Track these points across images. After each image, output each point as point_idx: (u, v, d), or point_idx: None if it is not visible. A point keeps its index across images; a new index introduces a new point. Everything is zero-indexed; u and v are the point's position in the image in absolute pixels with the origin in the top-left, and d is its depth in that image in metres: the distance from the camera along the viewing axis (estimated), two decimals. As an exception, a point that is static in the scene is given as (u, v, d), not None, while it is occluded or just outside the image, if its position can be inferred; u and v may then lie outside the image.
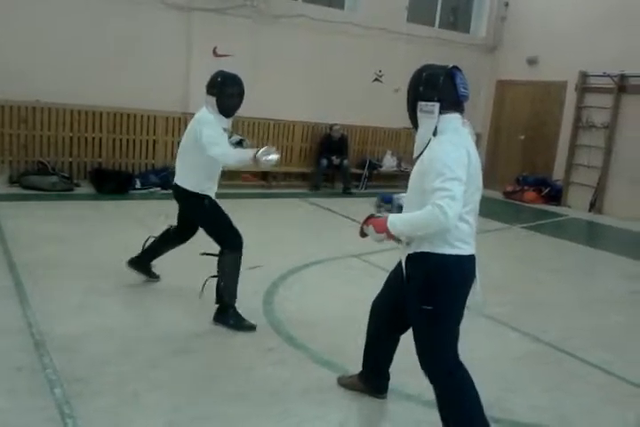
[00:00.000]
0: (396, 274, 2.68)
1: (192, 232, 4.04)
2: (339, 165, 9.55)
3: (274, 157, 3.47)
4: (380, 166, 10.50)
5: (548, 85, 10.59)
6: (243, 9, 8.68)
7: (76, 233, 5.59)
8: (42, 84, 7.54)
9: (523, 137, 11.11)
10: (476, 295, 2.50)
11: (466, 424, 2.48)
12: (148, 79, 8.13)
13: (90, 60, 7.86)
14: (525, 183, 10.53)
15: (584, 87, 9.99)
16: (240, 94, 3.71)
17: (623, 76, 9.33)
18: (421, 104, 2.42)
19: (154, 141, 8.64)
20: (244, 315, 3.88)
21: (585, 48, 9.68)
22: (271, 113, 9.39)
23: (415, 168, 2.46)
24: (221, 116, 3.68)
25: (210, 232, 3.82)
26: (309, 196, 9.19)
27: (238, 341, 3.56)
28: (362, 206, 8.45)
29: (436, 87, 2.39)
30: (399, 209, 3.02)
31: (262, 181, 9.40)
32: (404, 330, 2.76)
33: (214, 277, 3.74)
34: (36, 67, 7.51)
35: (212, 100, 3.65)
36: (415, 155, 2.50)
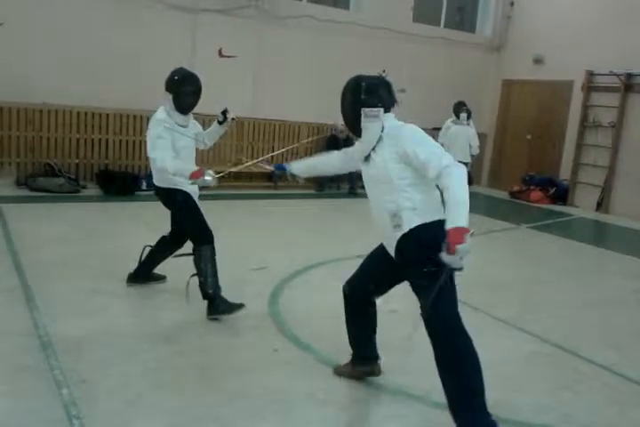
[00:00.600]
0: (376, 257, 2.95)
1: (184, 235, 4.05)
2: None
3: (209, 179, 3.51)
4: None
5: (555, 85, 10.56)
6: (248, 10, 8.71)
7: (83, 234, 5.62)
8: (48, 86, 7.60)
9: (530, 137, 11.07)
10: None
11: (464, 386, 2.53)
12: (153, 80, 8.02)
13: (96, 62, 7.91)
14: (532, 183, 10.50)
15: (590, 86, 9.94)
16: (197, 93, 3.80)
17: (630, 75, 9.29)
18: (366, 110, 2.65)
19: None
20: (249, 316, 3.89)
21: (591, 47, 9.64)
22: (276, 114, 9.42)
23: (375, 164, 2.67)
24: (177, 113, 3.78)
25: (183, 225, 3.94)
26: (315, 196, 9.20)
27: (243, 341, 3.57)
28: (367, 207, 8.45)
29: (378, 94, 2.68)
30: (292, 176, 3.40)
31: (268, 181, 9.41)
32: (374, 302, 3.05)
33: (194, 275, 3.80)
34: (42, 69, 7.56)
35: (169, 97, 3.74)
36: (362, 156, 2.75)
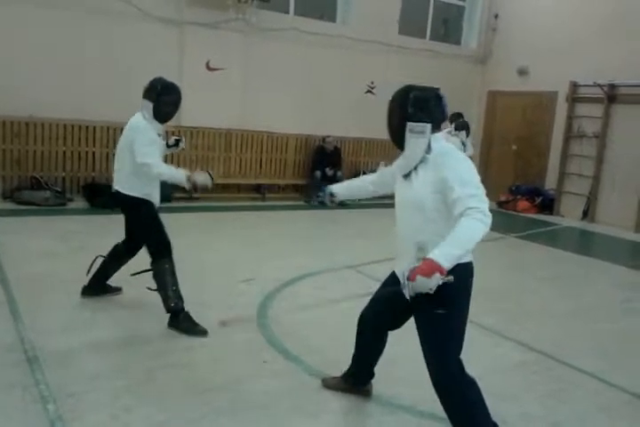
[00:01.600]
0: (388, 288, 2.76)
1: (137, 245, 4.02)
2: (332, 176, 9.58)
3: (207, 179, 3.63)
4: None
5: (539, 96, 10.70)
6: (235, 23, 8.76)
7: (69, 248, 5.58)
8: (35, 98, 7.57)
9: (515, 147, 11.19)
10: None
11: None
12: (140, 93, 8.15)
13: (83, 75, 7.91)
14: (518, 193, 10.59)
15: (574, 97, 10.09)
16: (176, 103, 3.79)
17: (613, 86, 9.43)
18: (412, 125, 2.44)
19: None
20: (238, 328, 3.89)
21: (575, 58, 9.80)
22: (264, 126, 9.45)
23: (411, 186, 2.48)
24: (155, 122, 3.75)
25: (142, 237, 3.88)
26: (304, 208, 9.21)
27: (231, 354, 3.55)
28: (356, 218, 8.48)
29: (428, 109, 2.45)
30: (332, 196, 3.26)
31: (256, 193, 9.42)
32: (390, 330, 2.92)
33: (154, 290, 3.79)
34: (29, 82, 7.54)
35: (149, 105, 3.72)
36: (402, 173, 2.56)
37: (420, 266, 2.20)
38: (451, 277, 2.22)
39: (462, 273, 2.40)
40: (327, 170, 9.55)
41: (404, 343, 3.74)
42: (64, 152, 8.05)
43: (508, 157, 11.35)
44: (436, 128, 2.48)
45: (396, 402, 3.06)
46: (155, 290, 3.79)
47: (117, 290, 4.32)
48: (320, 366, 3.43)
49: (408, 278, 2.22)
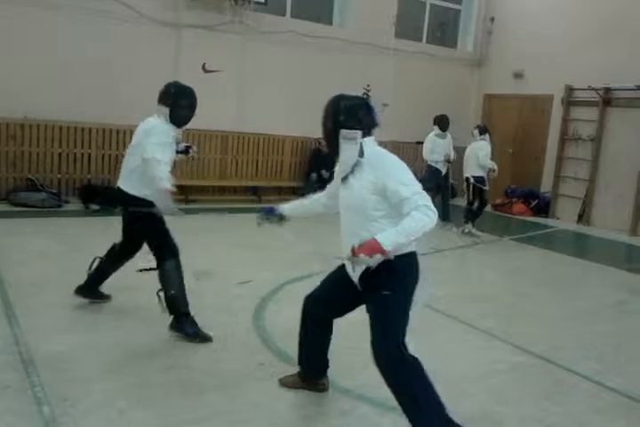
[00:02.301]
0: (337, 278, 2.96)
1: (137, 246, 3.97)
2: (328, 178, 9.56)
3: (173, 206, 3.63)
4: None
5: (535, 99, 10.74)
6: (231, 25, 8.77)
7: (65, 250, 5.56)
8: (30, 100, 7.56)
9: (511, 150, 11.22)
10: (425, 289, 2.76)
11: (423, 409, 2.57)
12: (136, 95, 8.13)
13: (78, 77, 7.90)
14: (514, 195, 10.62)
15: (570, 100, 10.13)
16: (192, 106, 3.76)
17: (608, 90, 9.48)
18: (344, 132, 2.59)
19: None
20: (234, 330, 3.88)
21: (570, 62, 9.84)
22: (261, 128, 9.46)
23: (351, 190, 2.64)
24: (173, 127, 3.73)
25: (147, 239, 3.82)
26: (300, 210, 9.19)
27: (227, 356, 3.54)
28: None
29: (358, 116, 2.62)
30: (281, 218, 3.32)
31: (253, 195, 9.41)
32: (332, 323, 3.07)
33: (161, 291, 3.72)
34: (25, 83, 7.53)
35: (166, 110, 3.68)
36: (339, 178, 2.74)
37: (364, 245, 2.42)
38: (390, 256, 2.45)
39: (408, 260, 2.63)
40: (323, 172, 9.54)
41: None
42: (59, 154, 8.04)
43: (503, 159, 11.32)
44: (367, 134, 2.65)
45: (392, 404, 3.04)
46: (161, 290, 3.71)
47: (106, 297, 4.23)
48: (316, 369, 3.42)
49: (352, 253, 2.44)
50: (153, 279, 4.15)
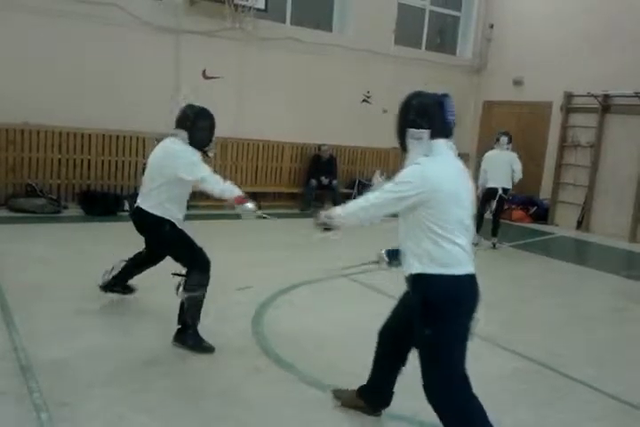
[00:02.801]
0: (404, 298, 2.72)
1: (158, 258, 4.05)
2: (328, 185, 9.60)
3: (251, 206, 3.68)
4: (370, 186, 10.55)
5: (534, 106, 10.77)
6: (231, 32, 8.81)
7: (64, 255, 5.57)
8: (30, 105, 7.59)
9: (510, 156, 11.22)
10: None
11: None
12: (137, 101, 8.19)
13: (79, 83, 7.93)
14: (513, 202, 10.61)
15: (569, 107, 10.17)
16: (211, 128, 3.75)
17: (607, 96, 9.51)
18: (411, 131, 2.48)
19: (143, 164, 8.65)
20: (233, 336, 3.88)
21: (569, 69, 9.89)
22: (261, 134, 9.49)
23: None
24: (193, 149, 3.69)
25: (176, 257, 3.77)
26: (300, 215, 9.21)
27: (226, 362, 3.54)
28: (352, 227, 8.48)
29: (426, 116, 2.46)
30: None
31: (252, 201, 9.41)
32: (409, 352, 2.74)
33: (177, 274, 3.69)
34: (25, 89, 7.55)
35: (184, 134, 3.66)
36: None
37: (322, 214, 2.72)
38: (330, 234, 2.64)
39: (448, 288, 2.40)
40: (323, 178, 9.57)
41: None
42: (59, 159, 8.05)
43: (502, 166, 11.37)
44: (437, 134, 2.47)
45: (396, 413, 3.04)
46: (178, 275, 3.67)
47: (132, 290, 4.35)
48: (314, 374, 3.43)
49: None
50: (154, 285, 4.16)
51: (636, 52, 9.06)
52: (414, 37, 11.36)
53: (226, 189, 3.62)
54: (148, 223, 3.79)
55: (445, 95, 2.52)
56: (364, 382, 2.95)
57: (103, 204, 7.78)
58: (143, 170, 3.92)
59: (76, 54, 7.89)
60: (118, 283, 4.28)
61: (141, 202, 3.80)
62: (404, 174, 2.45)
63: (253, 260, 6.04)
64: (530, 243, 8.50)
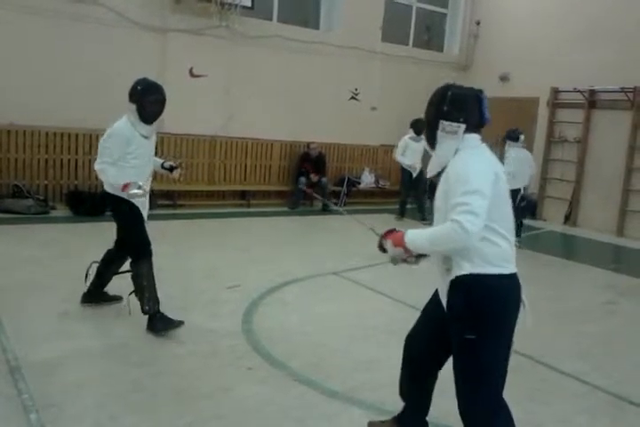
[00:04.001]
0: (432, 305, 2.50)
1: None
2: (317, 182, 9.61)
3: (137, 191, 3.69)
4: (359, 183, 10.58)
5: (521, 101, 10.82)
6: (218, 30, 8.78)
7: (52, 256, 5.53)
8: (16, 106, 7.52)
9: (498, 152, 11.29)
10: (525, 319, 2.37)
11: None
12: (123, 100, 8.09)
13: (65, 82, 7.87)
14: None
15: (556, 103, 10.24)
16: (161, 102, 3.79)
17: (593, 92, 9.59)
18: (444, 124, 2.32)
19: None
20: (223, 335, 3.88)
21: (555, 65, 9.94)
22: (249, 132, 9.47)
23: (439, 188, 2.34)
24: (142, 124, 3.77)
25: (124, 236, 3.96)
26: (288, 213, 9.22)
27: (217, 361, 3.54)
28: (340, 224, 8.51)
29: (464, 109, 2.32)
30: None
31: (241, 199, 9.41)
32: (441, 365, 2.55)
33: (132, 292, 3.85)
34: (10, 89, 7.49)
35: (133, 107, 3.74)
36: (431, 174, 2.47)
37: (393, 235, 2.32)
38: (414, 260, 2.33)
39: (497, 285, 2.23)
40: (312, 176, 9.57)
41: (390, 346, 3.77)
42: (46, 160, 7.99)
43: (490, 162, 11.44)
44: (471, 129, 2.33)
45: (381, 406, 3.06)
46: (133, 292, 3.84)
47: (116, 299, 4.28)
48: (305, 372, 3.43)
49: (383, 237, 2.36)
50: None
51: (621, 47, 9.13)
52: (402, 35, 11.37)
53: (112, 182, 3.75)
54: (111, 204, 3.95)
55: (482, 91, 2.39)
56: (399, 410, 2.72)
57: (91, 204, 7.72)
58: None
59: (62, 53, 7.83)
60: (93, 291, 4.21)
61: (105, 183, 3.94)
62: (467, 167, 2.21)
63: (243, 258, 6.04)
64: (517, 238, 8.54)
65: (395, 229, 2.40)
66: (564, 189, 10.11)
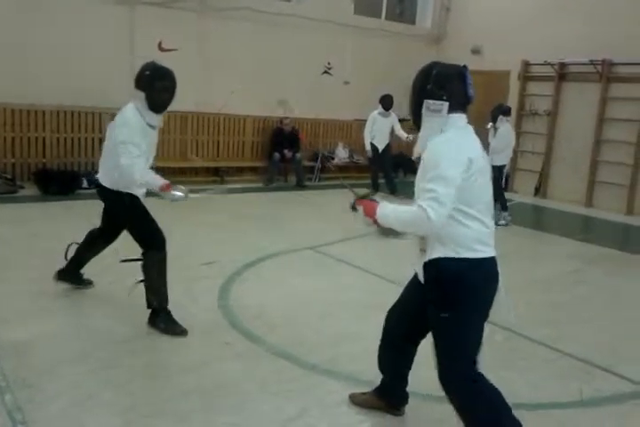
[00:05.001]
0: (412, 284, 2.57)
1: (115, 233, 3.87)
2: (291, 158, 9.56)
3: (180, 194, 3.40)
4: (333, 158, 10.57)
5: (492, 75, 10.83)
6: (188, 2, 8.57)
7: (22, 235, 5.44)
8: (-21, 83, 7.29)
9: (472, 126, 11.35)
10: (502, 304, 2.42)
11: None
12: (91, 76, 7.93)
13: (30, 58, 7.63)
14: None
15: (527, 76, 10.29)
16: (171, 89, 3.49)
17: (563, 65, 9.65)
18: (429, 102, 2.31)
19: (100, 140, 8.44)
20: (199, 311, 3.89)
21: (527, 38, 9.95)
22: (221, 108, 9.32)
23: (420, 166, 2.33)
24: (151, 113, 3.48)
25: (131, 231, 3.65)
26: (263, 190, 9.18)
27: (194, 337, 3.55)
28: (314, 199, 8.53)
29: (447, 86, 2.30)
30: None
31: (215, 176, 9.32)
32: (420, 339, 2.65)
33: (141, 281, 3.61)
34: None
35: (141, 95, 3.43)
36: (416, 155, 2.47)
37: (367, 204, 2.37)
38: (373, 229, 2.38)
39: (466, 271, 2.26)
40: (286, 151, 9.51)
41: (366, 320, 3.83)
42: (12, 138, 7.80)
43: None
44: (456, 108, 2.31)
45: (359, 377, 3.12)
46: (141, 281, 3.61)
47: (88, 283, 4.15)
48: (283, 346, 3.47)
49: (356, 203, 2.42)
50: (118, 267, 4.09)
51: (591, 20, 9.15)
52: (374, 7, 11.24)
53: (146, 180, 3.40)
54: (108, 199, 3.69)
55: (465, 67, 2.37)
56: (378, 384, 2.82)
57: (60, 182, 7.59)
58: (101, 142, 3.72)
59: (26, 27, 7.56)
60: (71, 270, 4.05)
61: (99, 176, 3.66)
62: (439, 152, 2.22)
63: (218, 234, 6.02)
64: (490, 211, 8.66)
65: (372, 199, 2.43)
66: (534, 161, 10.24)
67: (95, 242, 3.97)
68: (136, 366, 3.16)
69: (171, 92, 3.50)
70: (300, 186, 9.57)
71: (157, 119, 3.56)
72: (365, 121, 9.13)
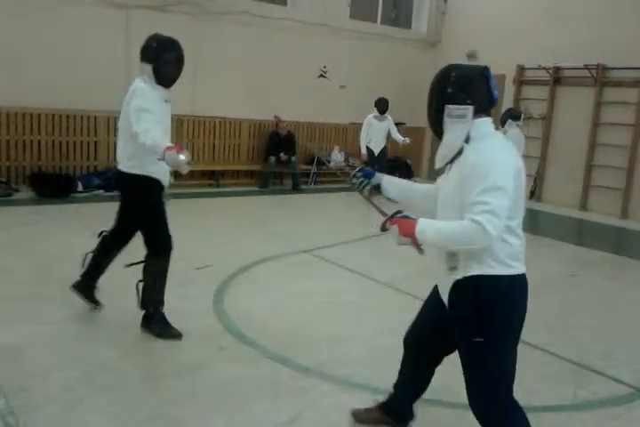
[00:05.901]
0: (432, 303, 2.40)
1: (129, 234, 3.71)
2: (287, 161, 9.57)
3: (184, 158, 3.12)
4: (329, 162, 10.57)
5: (488, 79, 10.88)
6: (184, 6, 8.59)
7: (18, 239, 5.42)
8: (-26, 86, 7.27)
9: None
10: None
11: None
12: (87, 79, 7.93)
13: (26, 61, 7.62)
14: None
15: (521, 80, 10.33)
16: (178, 60, 3.35)
17: (558, 69, 9.70)
18: (450, 108, 2.13)
19: (95, 143, 8.45)
20: (194, 315, 3.87)
21: (522, 42, 10.01)
22: (217, 111, 9.34)
23: (448, 181, 2.18)
24: (160, 87, 3.32)
25: (143, 228, 3.50)
26: (259, 193, 9.19)
27: (188, 341, 3.54)
28: (310, 202, 8.53)
29: (469, 89, 2.12)
30: (377, 188, 2.55)
31: (210, 179, 9.32)
32: (440, 361, 2.53)
33: (141, 281, 3.56)
34: (-33, 68, 7.23)
35: (148, 68, 3.27)
36: (439, 164, 2.25)
37: (403, 222, 2.10)
38: (422, 251, 2.12)
39: (505, 289, 2.10)
40: (281, 155, 9.52)
41: (360, 323, 3.82)
42: (7, 141, 7.78)
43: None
44: (481, 111, 2.14)
45: (352, 380, 3.12)
46: (141, 281, 3.55)
47: (98, 304, 3.90)
48: (277, 350, 3.46)
49: (390, 222, 2.14)
50: (113, 270, 4.06)
51: (586, 24, 9.22)
52: (369, 12, 11.28)
53: (156, 143, 3.11)
54: (126, 187, 3.47)
55: (487, 68, 2.19)
56: (383, 399, 2.72)
57: (55, 185, 7.57)
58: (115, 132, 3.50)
59: (22, 31, 7.56)
60: (88, 281, 3.86)
61: (119, 163, 3.42)
62: (487, 162, 2.01)
63: (213, 238, 6.02)
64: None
65: (405, 215, 2.16)
66: (529, 165, 10.18)
67: (109, 246, 3.79)
68: (129, 369, 3.14)
69: (179, 63, 3.37)
70: (295, 189, 9.58)
71: (166, 94, 3.40)
72: (361, 125, 9.14)
